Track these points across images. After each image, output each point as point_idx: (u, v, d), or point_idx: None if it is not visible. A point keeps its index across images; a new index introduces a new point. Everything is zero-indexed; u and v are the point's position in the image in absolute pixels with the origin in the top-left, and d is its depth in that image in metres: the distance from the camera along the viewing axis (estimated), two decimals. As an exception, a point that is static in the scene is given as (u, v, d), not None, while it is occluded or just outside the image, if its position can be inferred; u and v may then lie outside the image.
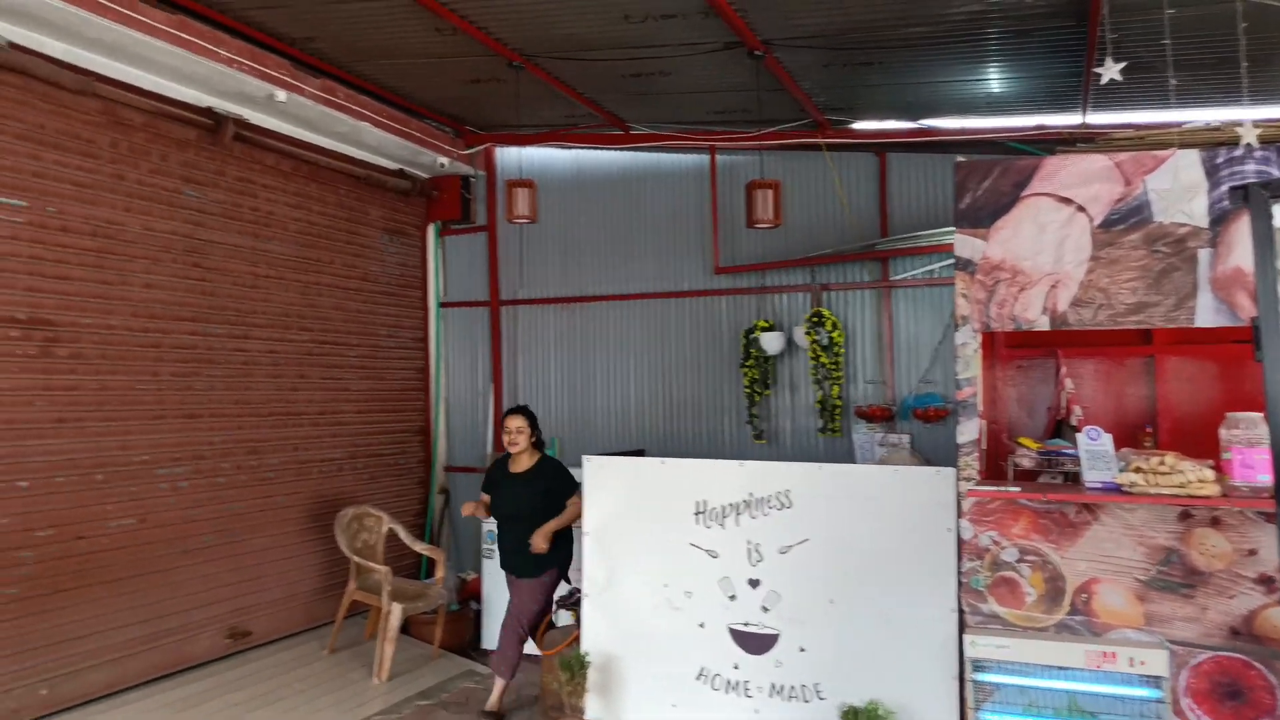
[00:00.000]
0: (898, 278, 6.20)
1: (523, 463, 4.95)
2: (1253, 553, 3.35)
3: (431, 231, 7.51)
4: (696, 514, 4.38)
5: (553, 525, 4.73)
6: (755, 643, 4.17)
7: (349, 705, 4.95)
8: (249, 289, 5.81)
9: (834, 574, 4.08)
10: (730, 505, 4.32)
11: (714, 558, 4.30)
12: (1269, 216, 2.61)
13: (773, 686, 4.11)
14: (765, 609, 4.18)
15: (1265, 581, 3.35)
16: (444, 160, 6.99)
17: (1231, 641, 3.38)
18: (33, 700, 4.46)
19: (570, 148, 7.09)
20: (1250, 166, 3.56)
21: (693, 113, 6.27)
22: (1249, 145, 3.52)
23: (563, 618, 5.03)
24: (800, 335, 6.21)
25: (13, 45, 4.33)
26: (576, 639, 4.56)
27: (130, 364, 5.04)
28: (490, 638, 6.21)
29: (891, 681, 3.86)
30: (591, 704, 4.31)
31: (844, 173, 6.34)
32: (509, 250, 7.36)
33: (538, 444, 5.00)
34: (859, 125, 6.15)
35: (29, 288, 4.55)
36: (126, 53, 4.76)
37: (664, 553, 4.38)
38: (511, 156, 7.35)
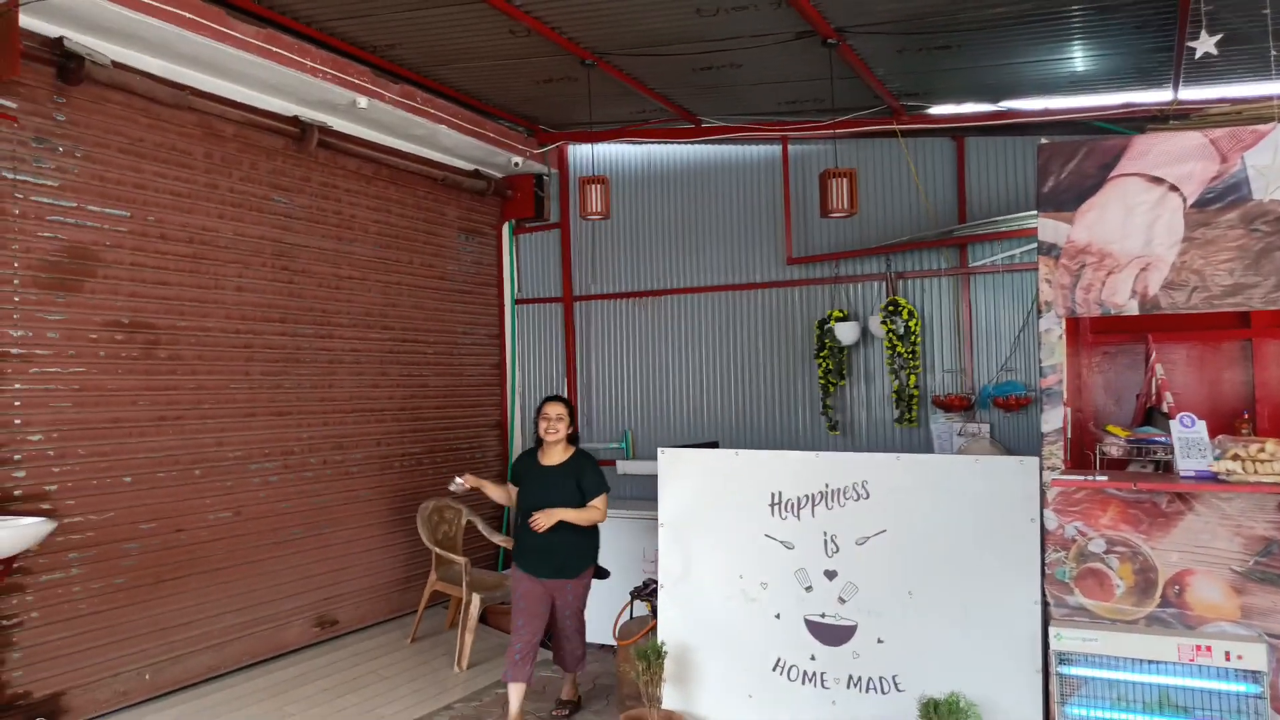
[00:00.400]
0: (977, 264, 6.05)
1: (556, 455, 4.65)
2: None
3: (506, 230, 7.64)
4: (771, 505, 4.36)
5: (571, 515, 4.48)
6: (832, 634, 4.14)
7: (431, 693, 5.09)
8: (333, 290, 6.01)
9: (912, 565, 4.02)
10: (805, 496, 4.29)
11: (789, 549, 4.28)
12: (1377, 188, 2.47)
13: (850, 678, 4.07)
14: (842, 600, 4.14)
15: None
16: (518, 160, 7.10)
17: (1340, 637, 3.22)
18: (138, 684, 4.71)
19: (641, 143, 7.13)
20: (1357, 138, 3.37)
21: (764, 104, 6.23)
22: (1355, 115, 3.34)
23: (638, 609, 5.07)
24: (876, 325, 6.12)
25: (115, 64, 4.57)
26: (653, 629, 4.59)
27: (224, 364, 5.27)
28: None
29: (972, 674, 3.79)
30: (668, 694, 4.33)
31: (919, 159, 6.22)
32: (581, 246, 7.44)
33: (572, 437, 4.73)
34: (935, 110, 6.02)
35: (132, 294, 4.80)
36: (218, 67, 4.98)
37: (739, 544, 4.38)
38: (584, 153, 7.43)
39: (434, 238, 6.93)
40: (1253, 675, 3.19)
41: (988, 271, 6.02)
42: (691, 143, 6.94)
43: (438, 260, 6.96)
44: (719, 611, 4.37)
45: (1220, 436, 3.42)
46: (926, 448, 6.04)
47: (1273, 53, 3.62)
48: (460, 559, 5.72)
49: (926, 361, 6.16)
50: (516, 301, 7.68)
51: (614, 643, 4.97)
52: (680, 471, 4.60)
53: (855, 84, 5.56)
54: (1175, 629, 3.41)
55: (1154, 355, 4.54)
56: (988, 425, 5.89)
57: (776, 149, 6.69)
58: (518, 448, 7.58)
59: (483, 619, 6.07)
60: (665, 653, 4.31)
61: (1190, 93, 5.27)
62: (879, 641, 4.05)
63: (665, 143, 7.03)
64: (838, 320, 6.27)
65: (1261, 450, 3.18)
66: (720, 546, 4.43)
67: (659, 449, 4.71)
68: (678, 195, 7.08)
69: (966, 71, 5.40)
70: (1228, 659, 3.21)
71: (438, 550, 5.85)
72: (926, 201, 6.15)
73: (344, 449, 6.05)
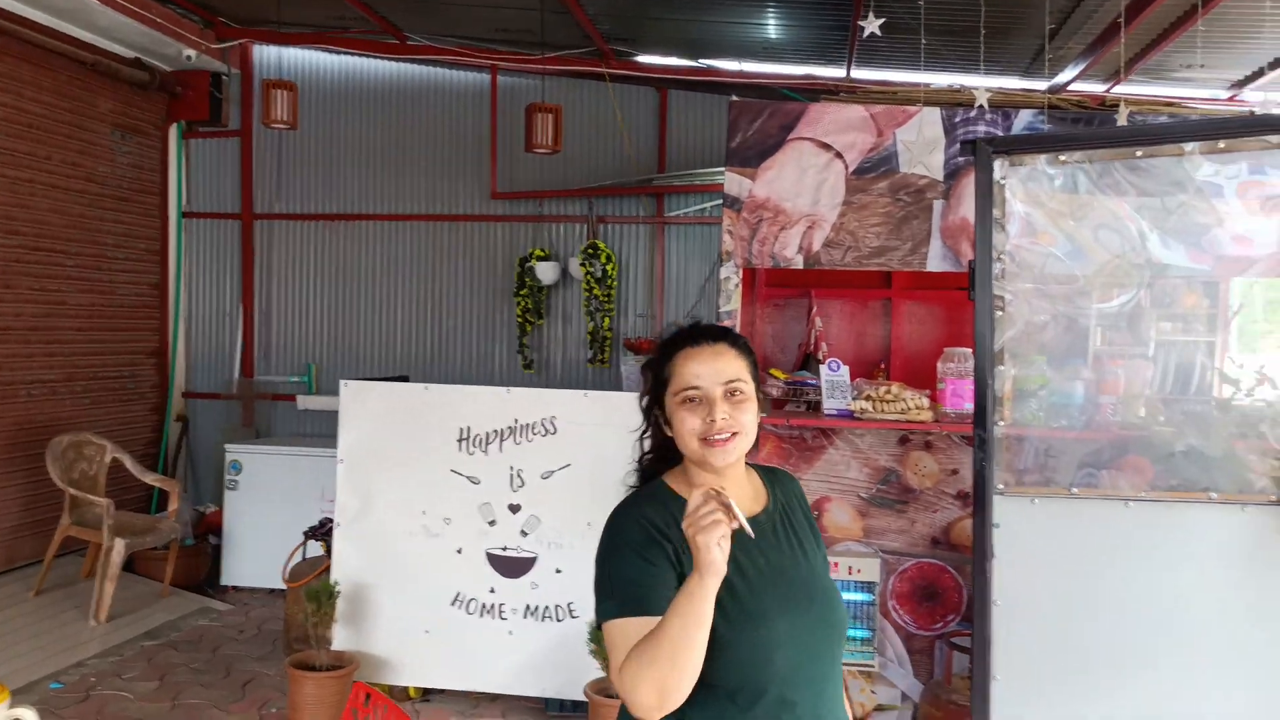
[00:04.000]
0: (672, 214, 6.32)
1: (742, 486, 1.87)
2: (955, 472, 3.76)
3: (174, 132, 6.73)
4: (460, 441, 4.28)
5: None
6: (512, 566, 4.17)
7: (57, 649, 4.45)
8: (-66, 177, 4.94)
9: (594, 498, 4.13)
10: (494, 432, 4.26)
11: (475, 484, 4.24)
12: (990, 170, 2.85)
13: (528, 608, 4.14)
14: (524, 533, 4.19)
15: (962, 497, 3.77)
16: (190, 53, 6.25)
17: (932, 550, 3.80)
18: None
19: (339, 53, 6.58)
20: (981, 127, 3.90)
21: (474, 29, 5.99)
22: (981, 107, 3.85)
23: (313, 549, 4.79)
24: (575, 266, 6.20)
25: None
26: (326, 569, 4.35)
27: None
28: (231, 573, 5.82)
29: (643, 600, 4.00)
30: (339, 634, 4.14)
31: (626, 105, 6.33)
32: (265, 160, 6.75)
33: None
34: (643, 59, 6.15)
35: None
36: None
37: (423, 480, 4.26)
38: (271, 56, 6.71)
39: (80, 132, 5.92)
40: (867, 586, 3.68)
41: (681, 222, 6.31)
42: (395, 59, 6.52)
43: (84, 159, 5.96)
44: (398, 549, 4.24)
45: (859, 380, 3.86)
46: (617, 388, 6.26)
47: (923, 42, 4.07)
48: (102, 500, 5.03)
49: (621, 305, 6.36)
50: (184, 215, 6.82)
51: (284, 586, 4.66)
52: (364, 405, 4.36)
53: (567, 21, 5.50)
54: (813, 549, 3.83)
55: (815, 309, 5.04)
56: (672, 369, 6.22)
57: (486, 79, 6.48)
58: (180, 379, 6.79)
59: (130, 567, 5.41)
60: (338, 592, 4.11)
61: (861, 73, 5.83)
62: (557, 571, 4.15)
63: (366, 56, 6.54)
64: (539, 259, 6.27)
65: (889, 392, 3.63)
66: (403, 483, 4.28)
67: (341, 381, 4.43)
68: (379, 115, 6.64)
69: (672, 24, 5.55)
70: (850, 573, 3.66)
71: (73, 491, 5.10)
72: (630, 148, 6.29)
73: (-52, 372, 5.05)
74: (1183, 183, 2.86)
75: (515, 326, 6.40)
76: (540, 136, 5.29)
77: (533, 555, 4.17)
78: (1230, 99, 5.09)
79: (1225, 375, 3.58)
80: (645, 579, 1.44)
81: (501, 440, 4.25)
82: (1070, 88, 5.01)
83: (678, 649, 1.33)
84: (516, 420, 4.25)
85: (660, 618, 1.36)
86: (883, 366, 4.85)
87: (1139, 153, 2.74)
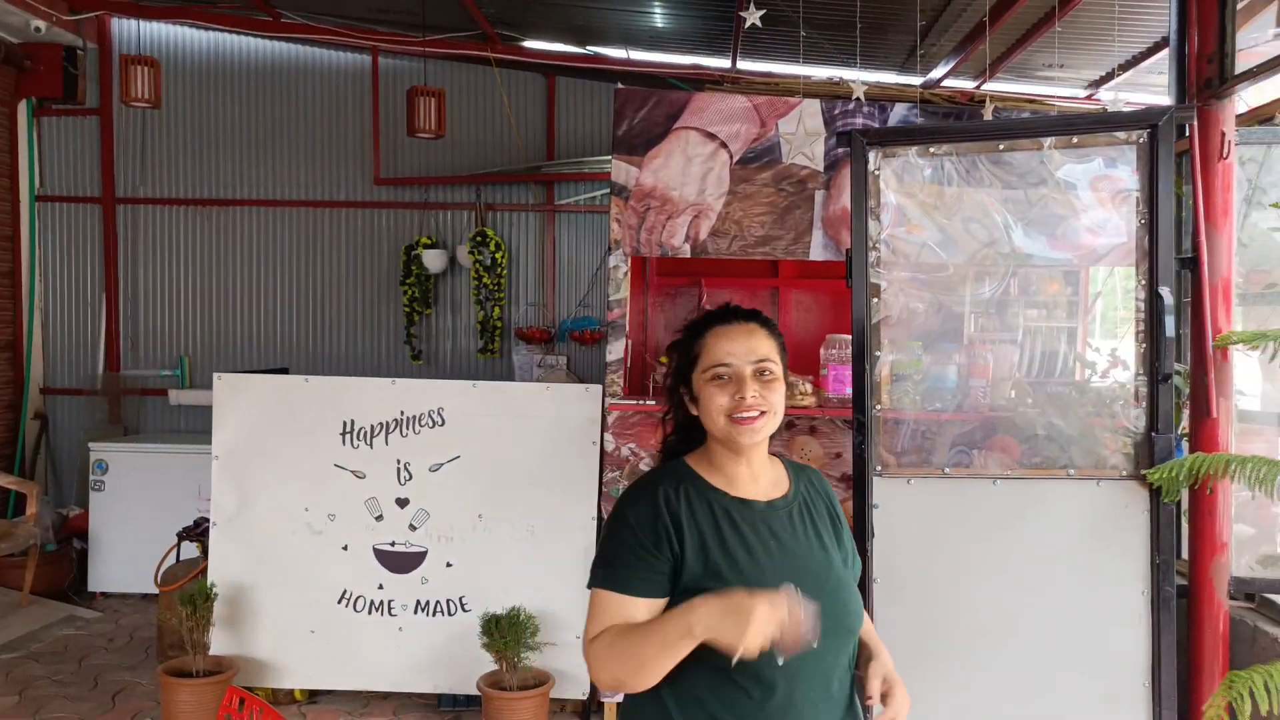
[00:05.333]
0: (562, 202, 6.28)
1: (764, 472, 1.66)
2: (838, 455, 3.88)
3: (24, 109, 6.25)
4: (343, 434, 4.15)
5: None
6: (401, 561, 4.08)
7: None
8: None
9: (485, 490, 4.09)
10: (380, 424, 4.15)
11: (360, 478, 4.12)
12: (865, 161, 2.95)
13: (418, 603, 4.06)
14: (413, 527, 4.10)
15: (846, 480, 3.90)
16: (40, 24, 5.80)
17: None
18: None
19: (207, 29, 6.24)
20: (859, 120, 4.02)
21: (353, 8, 5.79)
22: (859, 100, 3.97)
23: (188, 551, 4.56)
24: (464, 254, 6.10)
25: None
26: (202, 571, 4.16)
27: None
28: (99, 579, 5.50)
29: (535, 589, 3.98)
30: (218, 638, 3.96)
31: (512, 92, 6.24)
32: (129, 140, 6.35)
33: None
34: (530, 44, 6.07)
35: None
36: None
37: (306, 475, 4.11)
38: (131, 31, 6.30)
39: (-87, 105, 5.43)
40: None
41: (572, 210, 6.28)
42: (269, 38, 6.23)
43: (-81, 135, 5.48)
44: (280, 547, 4.09)
45: (746, 366, 3.93)
46: (508, 378, 6.20)
47: (802, 34, 4.16)
48: (-53, 507, 4.67)
49: (511, 294, 6.29)
50: (37, 198, 6.35)
51: (157, 590, 4.43)
52: (241, 399, 4.18)
53: (450, 2, 5.37)
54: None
55: (705, 298, 5.11)
56: (565, 358, 6.20)
57: (367, 60, 6.27)
58: (38, 373, 6.34)
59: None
60: (215, 595, 3.93)
61: (746, 64, 5.92)
62: (448, 565, 4.08)
63: (238, 33, 6.23)
64: (425, 247, 6.13)
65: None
66: (284, 479, 4.12)
67: (216, 374, 4.23)
68: (253, 96, 6.33)
69: (558, 9, 5.49)
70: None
71: (-87, 498, 4.71)
72: (518, 135, 6.21)
73: None
74: (1043, 177, 3.03)
75: (402, 316, 6.25)
76: (423, 121, 5.17)
77: (422, 550, 4.09)
78: (1087, 98, 5.41)
79: (1083, 359, 3.83)
80: (637, 561, 1.45)
81: (388, 433, 4.15)
82: (943, 84, 5.22)
83: (645, 664, 1.38)
84: (403, 412, 4.15)
85: (639, 599, 1.43)
86: (770, 353, 4.96)
87: (1001, 146, 2.88)
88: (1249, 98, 3.12)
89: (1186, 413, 2.91)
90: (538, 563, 4.04)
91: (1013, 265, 3.48)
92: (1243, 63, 2.73)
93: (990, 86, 5.16)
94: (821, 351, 3.87)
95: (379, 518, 4.11)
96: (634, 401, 3.92)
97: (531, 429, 4.12)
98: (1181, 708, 2.73)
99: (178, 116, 6.26)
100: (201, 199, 6.34)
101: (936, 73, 5.24)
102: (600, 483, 3.98)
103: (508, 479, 4.09)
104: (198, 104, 6.31)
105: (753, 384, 1.50)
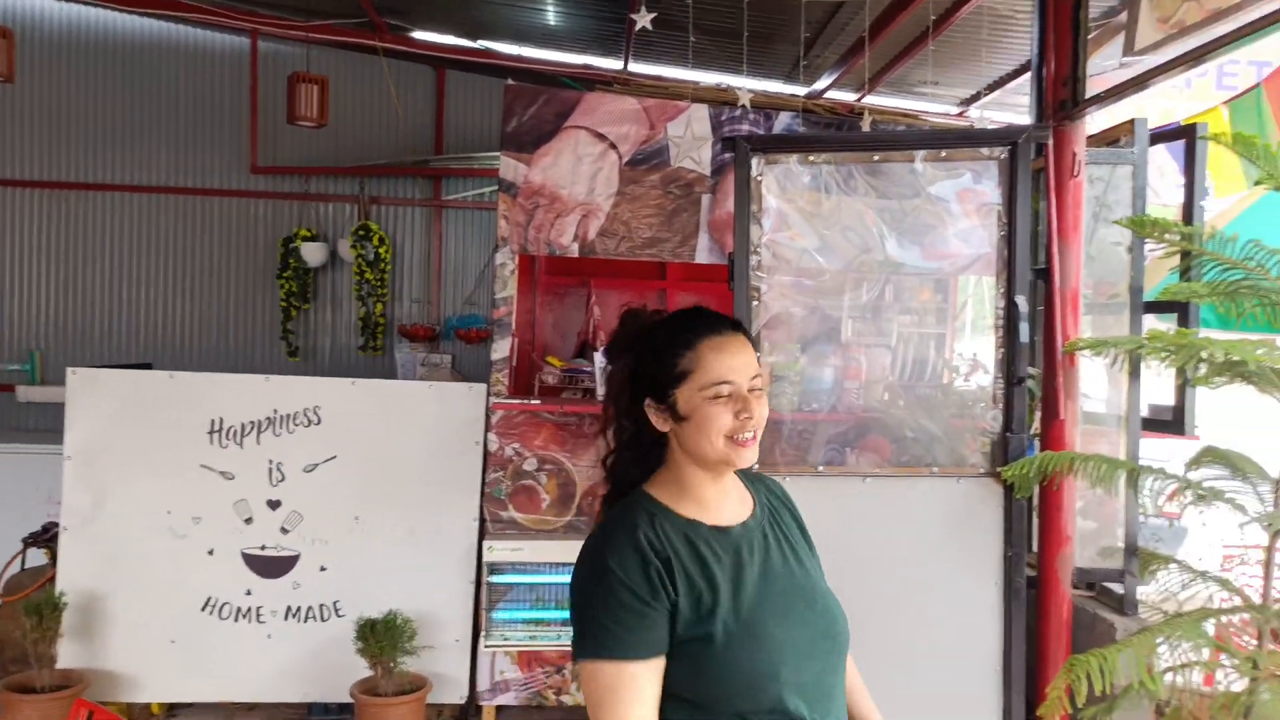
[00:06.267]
0: (450, 198, 6.17)
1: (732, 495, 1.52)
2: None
3: None
4: (211, 433, 3.95)
5: None
6: (272, 566, 3.92)
7: None
8: None
9: (362, 491, 3.97)
10: (251, 423, 3.97)
11: (229, 479, 3.93)
12: (748, 166, 3.01)
13: (289, 609, 3.90)
14: (285, 530, 3.94)
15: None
16: None
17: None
18: None
19: (68, 0, 5.84)
20: (745, 126, 4.11)
21: (231, -14, 5.54)
22: (744, 107, 4.06)
23: (35, 558, 4.25)
24: (345, 248, 5.91)
25: None
26: (51, 579, 3.89)
27: None
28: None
29: (414, 592, 3.89)
30: (67, 650, 3.71)
31: (401, 83, 6.09)
32: (-26, 116, 5.89)
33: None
34: (419, 35, 5.93)
35: None
36: None
37: (168, 476, 3.89)
38: (-19, -3, 5.85)
39: None
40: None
41: (459, 206, 6.18)
42: (137, 13, 5.88)
43: None
44: (138, 553, 3.86)
45: (631, 367, 3.95)
46: (391, 376, 6.03)
47: (691, 39, 4.22)
48: None
49: (395, 290, 6.14)
50: None
51: (-3, 601, 4.11)
52: (97, 396, 3.92)
53: (335, -13, 5.22)
54: (585, 532, 3.89)
55: (593, 298, 5.12)
56: (450, 356, 6.09)
57: (245, 43, 6.00)
58: None
59: None
60: (64, 604, 3.68)
61: (637, 67, 5.96)
62: (322, 569, 3.94)
63: (101, 7, 5.86)
64: (305, 240, 5.91)
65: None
66: (144, 480, 3.89)
67: (69, 369, 3.96)
68: (118, 74, 5.97)
69: (449, 0, 5.40)
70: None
71: None
72: (404, 127, 6.07)
73: None
74: (916, 189, 3.17)
75: (279, 311, 6.00)
76: (304, 108, 4.99)
77: (294, 553, 3.94)
78: (959, 115, 5.68)
79: (949, 363, 4.02)
80: (634, 619, 1.29)
81: (259, 432, 3.97)
82: (826, 95, 5.39)
83: None
84: (276, 410, 3.99)
85: (645, 662, 1.27)
86: (656, 354, 5.00)
87: (876, 157, 2.99)
88: (1100, 120, 3.34)
89: (1039, 414, 3.09)
90: (418, 564, 3.95)
91: (887, 273, 3.62)
92: (1094, 88, 2.92)
93: (870, 100, 5.36)
94: (705, 353, 3.93)
95: (248, 520, 3.94)
96: (519, 401, 3.89)
97: (413, 428, 4.02)
98: (1029, 691, 2.90)
99: (31, 91, 5.84)
100: (56, 181, 5.93)
101: (820, 84, 5.40)
102: (483, 483, 3.92)
103: (387, 479, 3.98)
104: (55, 80, 5.90)
105: (754, 403, 1.37)
